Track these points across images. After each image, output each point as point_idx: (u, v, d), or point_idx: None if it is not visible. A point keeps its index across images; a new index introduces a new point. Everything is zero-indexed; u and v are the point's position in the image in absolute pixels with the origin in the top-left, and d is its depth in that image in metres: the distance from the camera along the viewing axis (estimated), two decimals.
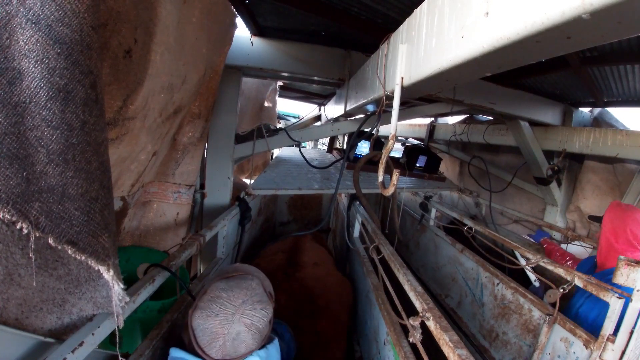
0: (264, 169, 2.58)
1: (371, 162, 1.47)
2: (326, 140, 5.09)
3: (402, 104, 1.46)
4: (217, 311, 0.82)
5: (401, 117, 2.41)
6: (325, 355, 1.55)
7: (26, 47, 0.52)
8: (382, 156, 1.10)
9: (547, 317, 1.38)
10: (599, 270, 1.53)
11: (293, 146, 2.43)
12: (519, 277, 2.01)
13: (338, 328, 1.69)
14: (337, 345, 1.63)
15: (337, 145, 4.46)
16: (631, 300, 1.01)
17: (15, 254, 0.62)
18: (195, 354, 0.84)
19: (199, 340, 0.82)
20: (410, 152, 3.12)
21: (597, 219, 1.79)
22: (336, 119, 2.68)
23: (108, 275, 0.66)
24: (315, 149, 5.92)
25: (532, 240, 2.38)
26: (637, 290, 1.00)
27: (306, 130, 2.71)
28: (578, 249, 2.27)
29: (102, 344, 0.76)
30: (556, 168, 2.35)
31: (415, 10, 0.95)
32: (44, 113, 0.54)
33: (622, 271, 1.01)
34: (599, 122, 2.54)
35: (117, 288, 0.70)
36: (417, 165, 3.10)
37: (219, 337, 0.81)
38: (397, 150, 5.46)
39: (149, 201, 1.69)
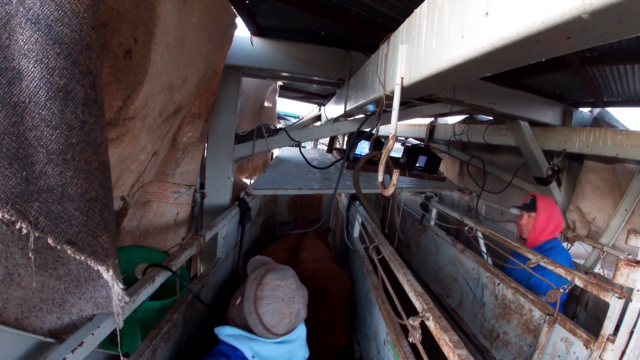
0: (264, 169, 2.58)
1: (371, 162, 1.48)
2: (326, 140, 5.09)
3: (402, 104, 1.46)
4: (282, 297, 1.02)
5: (401, 117, 2.41)
6: (331, 338, 1.66)
7: (26, 46, 0.52)
8: (382, 156, 1.09)
9: (548, 317, 1.38)
10: (530, 245, 1.87)
11: (293, 146, 2.43)
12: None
13: (338, 315, 1.78)
14: (339, 330, 1.74)
15: (337, 145, 4.45)
16: (631, 301, 1.01)
17: (15, 254, 0.62)
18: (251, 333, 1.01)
19: (267, 322, 0.99)
20: (410, 152, 3.12)
21: (522, 208, 2.03)
22: (336, 119, 2.68)
23: (107, 275, 0.66)
24: (315, 149, 5.92)
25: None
26: (637, 290, 0.99)
27: (306, 130, 2.72)
28: (578, 250, 2.27)
29: (102, 344, 0.75)
30: (556, 168, 2.35)
31: (415, 10, 0.95)
32: (43, 113, 0.54)
33: (622, 271, 1.01)
34: (599, 122, 2.54)
35: (116, 288, 0.70)
36: (417, 165, 3.10)
37: (286, 317, 1.01)
38: (397, 150, 5.46)
39: (148, 201, 1.69)
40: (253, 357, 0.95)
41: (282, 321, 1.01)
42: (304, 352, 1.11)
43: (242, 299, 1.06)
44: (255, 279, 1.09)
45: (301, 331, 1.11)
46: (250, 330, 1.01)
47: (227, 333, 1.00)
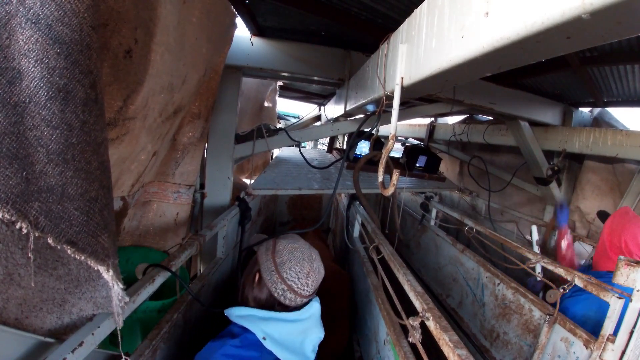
0: (264, 169, 2.58)
1: (371, 162, 1.48)
2: (326, 140, 5.09)
3: (402, 104, 1.46)
4: (301, 257, 1.03)
5: (401, 117, 2.41)
6: (333, 338, 1.65)
7: (26, 46, 0.52)
8: (382, 156, 1.09)
9: (548, 317, 1.38)
10: (593, 269, 1.57)
11: (293, 146, 2.43)
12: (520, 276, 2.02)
13: (340, 314, 1.79)
14: (341, 330, 1.75)
15: (337, 145, 4.45)
16: (631, 300, 1.01)
17: (15, 254, 0.62)
18: (277, 306, 1.00)
19: (294, 285, 0.99)
20: (410, 152, 3.12)
21: (603, 216, 1.78)
22: (336, 119, 2.68)
23: (107, 275, 0.66)
24: (315, 149, 5.92)
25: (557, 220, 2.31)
26: (637, 290, 0.99)
27: (306, 130, 2.71)
28: (578, 250, 2.28)
29: (102, 344, 0.75)
30: (556, 168, 2.35)
31: (415, 10, 0.95)
32: (43, 113, 0.54)
33: (622, 271, 1.01)
34: (599, 122, 2.54)
35: (116, 288, 0.70)
36: (417, 165, 3.10)
37: (311, 275, 1.02)
38: (397, 150, 5.46)
39: (148, 201, 1.69)
40: (264, 338, 0.91)
41: (308, 280, 1.01)
42: (319, 331, 1.04)
43: (260, 274, 1.03)
44: (267, 249, 1.08)
45: (314, 308, 1.06)
46: (278, 302, 0.99)
47: (237, 314, 0.97)
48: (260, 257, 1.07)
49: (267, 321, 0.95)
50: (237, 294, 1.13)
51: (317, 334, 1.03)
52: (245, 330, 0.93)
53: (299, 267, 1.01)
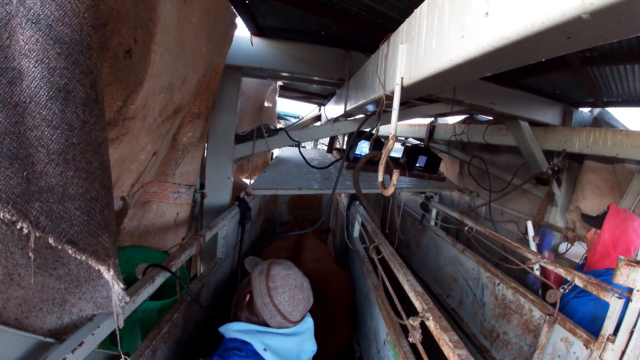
0: (264, 169, 2.58)
1: (371, 162, 1.48)
2: (326, 140, 5.09)
3: (402, 104, 1.46)
4: (294, 284, 1.07)
5: (401, 117, 2.41)
6: (334, 339, 1.67)
7: (26, 46, 0.52)
8: (382, 156, 1.10)
9: (548, 317, 1.38)
10: (587, 269, 1.58)
11: (293, 146, 2.43)
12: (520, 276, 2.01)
13: (341, 314, 1.79)
14: (342, 331, 1.75)
15: (337, 145, 4.45)
16: (631, 300, 1.01)
17: (15, 254, 0.62)
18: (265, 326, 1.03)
19: (284, 310, 1.02)
20: (410, 152, 3.12)
21: (592, 221, 1.79)
22: (336, 119, 2.68)
23: (108, 275, 0.66)
24: (315, 149, 5.92)
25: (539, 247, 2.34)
26: (637, 290, 0.99)
27: (306, 130, 2.72)
28: (578, 250, 2.28)
29: (102, 344, 0.75)
30: (556, 168, 2.35)
31: (415, 10, 0.95)
32: (44, 113, 0.54)
33: (622, 271, 1.01)
34: (599, 122, 2.54)
35: (117, 288, 0.70)
36: (417, 165, 3.10)
37: (300, 302, 1.06)
38: (397, 150, 5.46)
39: (148, 201, 1.69)
40: (265, 349, 0.95)
41: (297, 307, 1.04)
42: (312, 345, 1.10)
43: (252, 296, 1.06)
44: (261, 273, 1.10)
45: (309, 323, 1.12)
46: (265, 325, 1.02)
47: (235, 329, 1.00)
48: (253, 279, 1.10)
49: (266, 334, 1.00)
50: (230, 312, 1.15)
51: (310, 347, 1.09)
52: (245, 343, 0.97)
53: (290, 293, 1.04)
